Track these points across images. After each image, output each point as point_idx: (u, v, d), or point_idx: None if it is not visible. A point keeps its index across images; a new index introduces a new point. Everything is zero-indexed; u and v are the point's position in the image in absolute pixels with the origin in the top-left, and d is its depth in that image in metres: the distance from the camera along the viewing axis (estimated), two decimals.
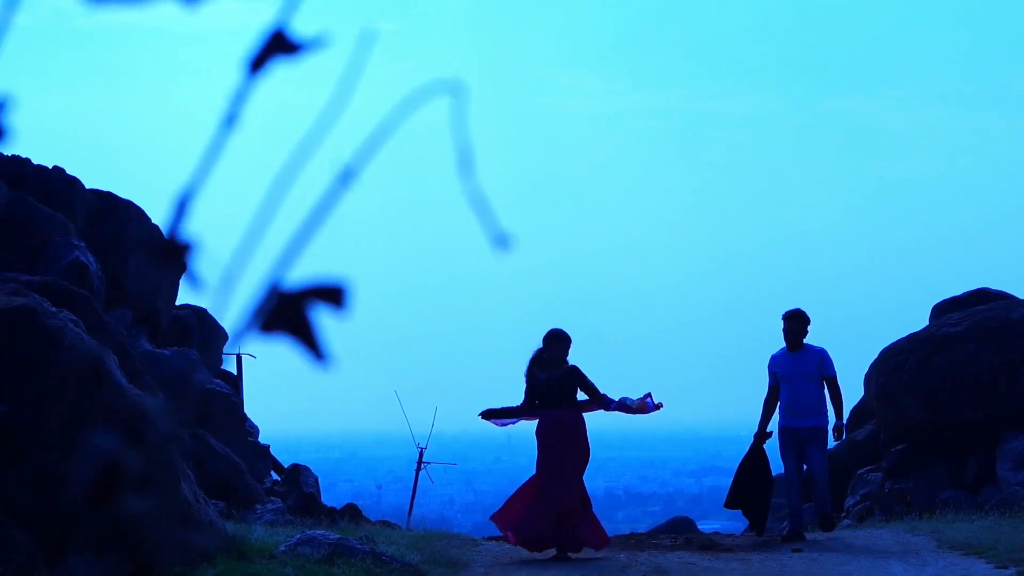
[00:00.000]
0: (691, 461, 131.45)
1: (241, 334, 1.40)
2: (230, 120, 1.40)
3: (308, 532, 13.69)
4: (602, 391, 14.96)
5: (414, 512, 24.38)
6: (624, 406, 14.99)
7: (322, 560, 12.86)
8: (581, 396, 14.96)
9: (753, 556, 14.90)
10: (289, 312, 1.37)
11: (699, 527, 29.29)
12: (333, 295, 1.40)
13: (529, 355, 15.00)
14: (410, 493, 26.83)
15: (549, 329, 15.06)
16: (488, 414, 15.25)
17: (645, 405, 15.06)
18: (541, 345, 14.98)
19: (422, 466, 26.89)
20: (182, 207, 1.39)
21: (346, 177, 1.43)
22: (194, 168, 1.36)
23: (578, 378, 14.90)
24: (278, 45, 1.41)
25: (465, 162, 1.53)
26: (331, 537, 13.48)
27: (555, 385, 14.87)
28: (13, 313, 12.53)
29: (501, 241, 1.57)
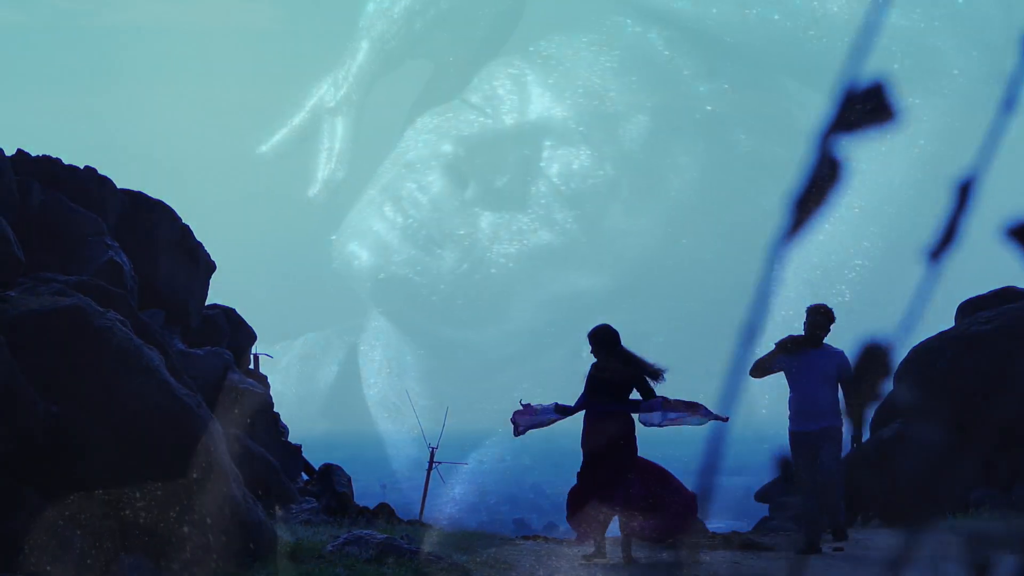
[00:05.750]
0: (696, 460, 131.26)
1: None
2: (1008, 103, 1.37)
3: (355, 532, 13.67)
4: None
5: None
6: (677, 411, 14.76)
7: (371, 560, 12.85)
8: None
9: (796, 556, 14.88)
10: None
11: (708, 527, 29.16)
12: None
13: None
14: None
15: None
16: (523, 413, 14.92)
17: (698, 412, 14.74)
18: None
19: (433, 465, 26.86)
20: (965, 192, 1.36)
21: None
22: (976, 152, 1.32)
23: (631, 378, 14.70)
24: None
25: None
26: (378, 537, 13.45)
27: (604, 383, 14.67)
28: (63, 313, 12.49)
29: None
